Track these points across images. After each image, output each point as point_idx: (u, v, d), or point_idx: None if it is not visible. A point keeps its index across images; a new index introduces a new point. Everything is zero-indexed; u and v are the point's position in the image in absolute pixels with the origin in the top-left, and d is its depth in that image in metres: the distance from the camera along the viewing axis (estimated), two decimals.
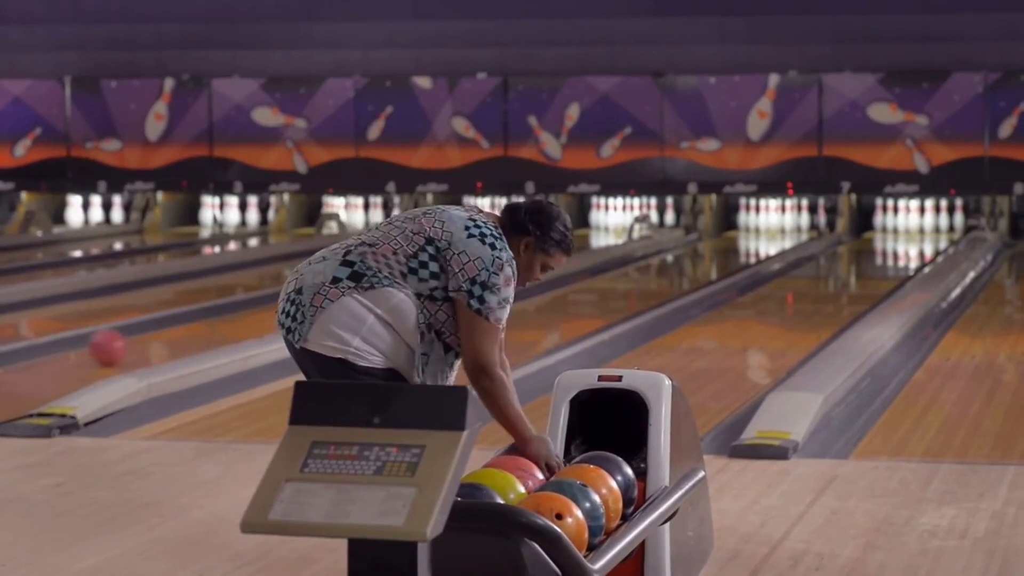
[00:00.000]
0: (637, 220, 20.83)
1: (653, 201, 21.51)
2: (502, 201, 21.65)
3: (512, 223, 4.91)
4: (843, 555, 5.86)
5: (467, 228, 4.79)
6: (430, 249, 4.78)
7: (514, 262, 4.83)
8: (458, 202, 21.75)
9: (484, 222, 4.85)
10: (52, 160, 22.23)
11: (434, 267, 4.78)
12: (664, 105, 20.58)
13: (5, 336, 12.16)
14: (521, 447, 4.88)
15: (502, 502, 4.49)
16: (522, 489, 4.64)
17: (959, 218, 20.80)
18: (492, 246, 4.78)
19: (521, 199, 21.22)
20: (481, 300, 4.73)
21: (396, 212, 4.84)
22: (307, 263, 4.88)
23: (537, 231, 4.90)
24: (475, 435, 3.92)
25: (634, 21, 21.02)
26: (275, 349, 10.50)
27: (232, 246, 20.78)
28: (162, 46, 22.07)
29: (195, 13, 21.97)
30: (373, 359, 4.75)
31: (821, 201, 21.01)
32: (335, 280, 4.75)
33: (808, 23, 20.66)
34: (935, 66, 20.10)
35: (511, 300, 4.83)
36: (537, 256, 4.93)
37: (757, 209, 21.27)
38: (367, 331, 4.74)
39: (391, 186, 21.26)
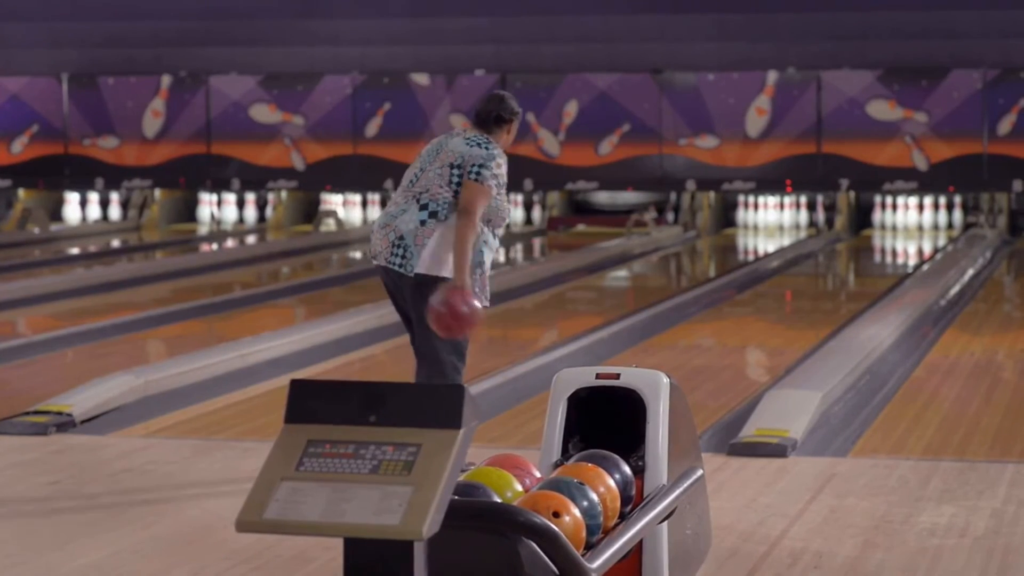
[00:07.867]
0: (636, 215, 20.81)
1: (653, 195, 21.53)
2: None
3: (496, 122, 6.89)
4: (841, 553, 5.84)
5: (467, 143, 6.83)
6: (455, 172, 6.77)
7: (503, 155, 6.84)
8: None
9: (475, 135, 6.87)
10: (49, 157, 22.21)
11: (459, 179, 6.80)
12: (662, 102, 20.56)
13: (2, 333, 12.13)
14: (455, 280, 6.64)
15: (499, 500, 4.47)
16: (519, 487, 4.62)
17: (958, 215, 20.79)
18: (486, 147, 6.81)
19: (519, 197, 21.41)
20: (478, 174, 6.76)
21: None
22: (390, 215, 6.79)
23: (513, 114, 6.92)
24: (471, 433, 3.90)
25: (632, 18, 20.99)
26: (272, 346, 10.49)
27: (230, 243, 20.76)
28: (159, 43, 22.04)
29: (193, 10, 21.94)
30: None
31: (820, 198, 21.00)
32: (422, 223, 6.73)
33: (807, 20, 20.63)
34: (934, 63, 20.09)
35: (501, 180, 6.79)
36: (514, 128, 6.95)
37: (756, 206, 21.26)
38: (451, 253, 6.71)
39: (389, 183, 21.22)
